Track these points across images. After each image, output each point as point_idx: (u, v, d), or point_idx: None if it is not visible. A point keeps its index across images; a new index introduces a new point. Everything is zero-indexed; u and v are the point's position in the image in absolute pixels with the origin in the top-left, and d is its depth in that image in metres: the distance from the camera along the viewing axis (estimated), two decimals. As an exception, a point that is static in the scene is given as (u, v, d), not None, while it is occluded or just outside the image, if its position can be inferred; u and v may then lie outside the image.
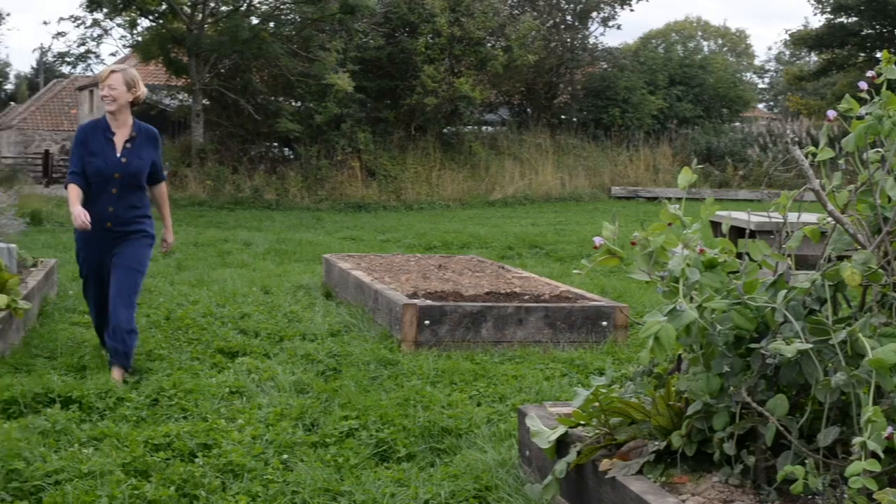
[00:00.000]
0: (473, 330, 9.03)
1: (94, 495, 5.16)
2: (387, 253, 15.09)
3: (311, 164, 31.44)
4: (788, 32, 50.81)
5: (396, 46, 33.40)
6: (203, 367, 8.27)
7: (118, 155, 7.89)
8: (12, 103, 76.93)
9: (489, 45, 34.30)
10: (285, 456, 5.93)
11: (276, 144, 34.32)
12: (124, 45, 38.37)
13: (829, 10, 43.58)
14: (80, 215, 7.63)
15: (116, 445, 6.08)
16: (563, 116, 39.12)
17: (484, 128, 38.21)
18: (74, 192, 7.82)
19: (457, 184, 31.96)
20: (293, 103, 33.38)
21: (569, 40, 39.77)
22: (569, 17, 40.20)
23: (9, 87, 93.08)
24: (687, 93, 39.44)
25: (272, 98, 33.82)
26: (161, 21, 33.61)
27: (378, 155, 32.00)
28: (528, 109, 39.39)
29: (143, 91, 8.04)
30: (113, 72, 7.96)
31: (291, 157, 33.38)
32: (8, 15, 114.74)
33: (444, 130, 34.74)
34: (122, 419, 6.67)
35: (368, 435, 6.29)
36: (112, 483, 5.35)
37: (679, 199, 4.70)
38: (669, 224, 4.61)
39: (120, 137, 7.96)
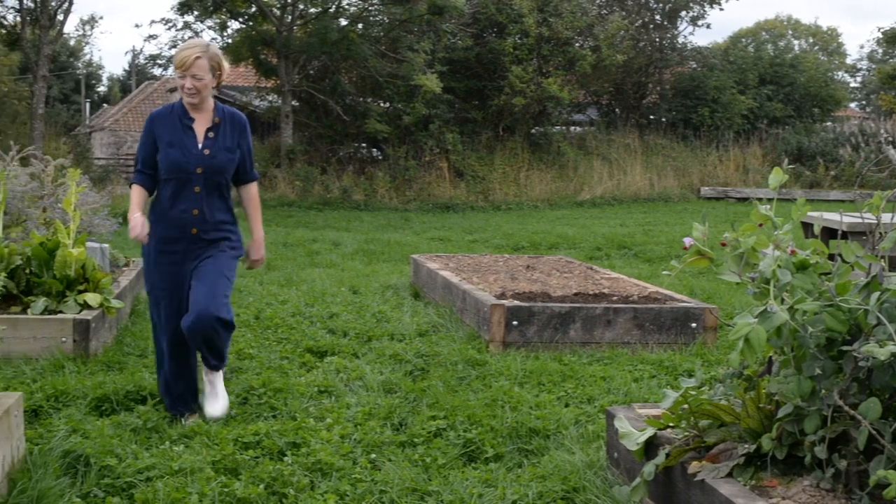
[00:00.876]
0: (561, 331, 9.00)
1: (184, 492, 5.22)
2: (475, 253, 15.09)
3: (399, 164, 31.53)
4: (881, 30, 50.18)
5: (484, 47, 33.40)
6: (292, 366, 8.33)
7: (200, 146, 6.57)
8: (105, 105, 78.09)
9: (577, 45, 34.16)
10: (373, 455, 5.95)
11: (364, 145, 34.46)
12: (215, 47, 38.65)
13: (924, 7, 42.81)
14: (138, 226, 6.43)
15: (206, 443, 6.14)
16: (651, 116, 38.87)
17: (572, 128, 38.10)
18: (137, 195, 6.65)
19: (545, 184, 31.88)
20: (381, 104, 33.50)
21: (658, 40, 39.51)
22: (658, 17, 39.94)
23: (101, 89, 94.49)
24: (777, 92, 38.99)
25: (361, 99, 33.96)
26: (251, 23, 33.91)
27: (466, 155, 32.01)
28: (617, 109, 39.20)
29: (227, 68, 6.68)
30: (198, 57, 6.44)
31: (380, 157, 33.51)
32: (101, 18, 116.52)
33: (532, 131, 34.66)
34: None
35: (456, 435, 6.29)
36: (202, 481, 5.41)
37: (770, 200, 4.65)
38: (760, 225, 4.55)
39: (200, 125, 6.63)
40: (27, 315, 8.60)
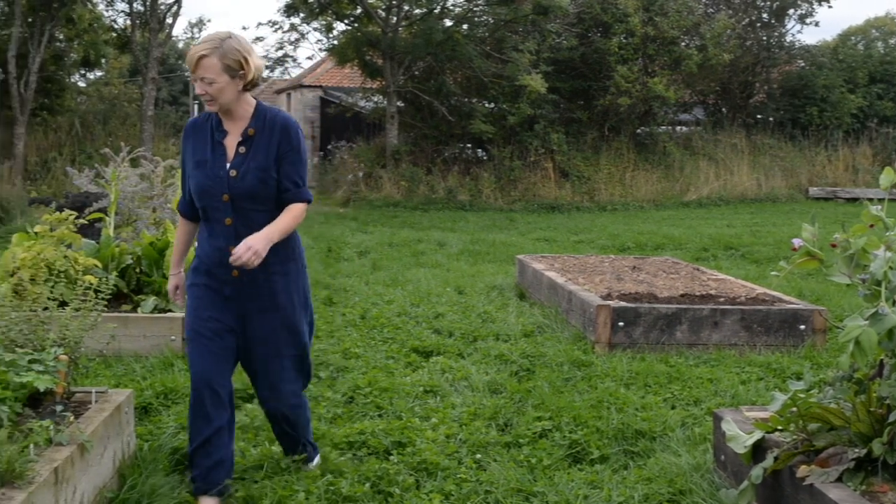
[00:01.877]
0: (668, 332, 8.94)
1: (291, 490, 5.29)
2: (580, 254, 15.05)
3: (504, 165, 31.48)
4: None
5: (589, 47, 33.24)
6: (398, 365, 8.38)
7: (227, 166, 5.13)
8: (213, 107, 78.99)
9: (683, 44, 33.85)
10: (478, 455, 5.97)
11: (469, 145, 34.46)
12: (320, 49, 39.11)
13: None
14: (171, 289, 5.57)
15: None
16: (759, 116, 38.34)
17: (678, 128, 37.74)
18: (179, 234, 5.57)
19: (650, 184, 31.65)
20: (486, 104, 33.48)
21: (765, 38, 38.97)
22: (765, 15, 39.38)
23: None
24: (888, 91, 38.24)
25: (465, 99, 33.97)
26: (356, 24, 34.10)
27: (571, 156, 31.88)
28: (723, 109, 38.73)
29: (255, 66, 5.10)
30: (203, 56, 4.96)
31: (485, 158, 33.50)
32: (209, 21, 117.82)
33: (638, 131, 34.41)
34: (318, 417, 6.80)
35: (561, 436, 6.29)
36: (308, 479, 5.47)
37: (881, 200, 4.58)
38: (871, 226, 4.49)
39: (233, 138, 5.19)
40: (137, 313, 8.77)
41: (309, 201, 5.16)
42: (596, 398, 7.13)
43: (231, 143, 5.15)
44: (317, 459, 5.81)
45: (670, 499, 5.28)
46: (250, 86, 5.10)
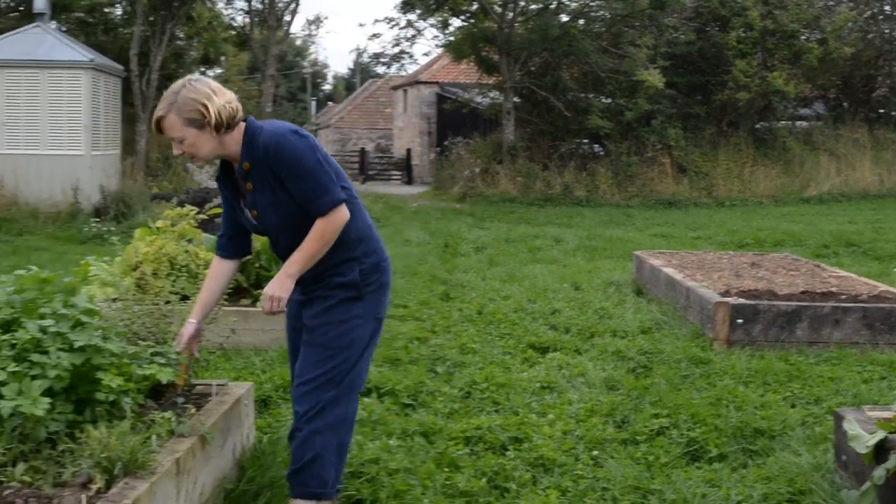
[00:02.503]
0: (788, 329, 8.84)
1: (407, 485, 5.33)
2: (698, 250, 14.92)
3: (621, 160, 31.32)
4: None
5: (707, 41, 32.90)
6: (514, 361, 8.40)
7: (247, 209, 4.88)
8: (330, 103, 79.90)
9: (803, 37, 33.37)
10: (595, 452, 5.97)
11: (586, 141, 34.34)
12: (437, 45, 39.18)
13: None
14: (184, 336, 5.04)
15: (429, 437, 6.25)
16: (881, 110, 37.60)
17: (798, 123, 37.17)
18: (210, 272, 5.16)
19: (770, 180, 31.22)
20: (603, 100, 33.33)
21: (887, 31, 38.22)
22: (887, 7, 38.61)
23: (327, 87, 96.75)
24: None
25: (582, 95, 33.88)
26: (472, 20, 34.17)
27: (689, 151, 31.59)
28: (845, 103, 38.07)
29: (219, 108, 4.57)
30: (161, 118, 4.62)
31: (601, 153, 33.36)
32: (326, 18, 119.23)
33: (757, 126, 33.98)
34: (434, 411, 6.84)
35: (679, 434, 6.26)
36: (424, 473, 5.51)
37: None
38: None
39: (240, 178, 4.82)
40: (257, 308, 8.89)
41: (332, 207, 4.60)
42: (714, 396, 7.07)
43: (240, 182, 4.82)
44: None
45: (790, 498, 5.23)
46: (225, 127, 4.62)
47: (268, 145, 4.61)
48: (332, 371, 4.68)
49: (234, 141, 4.68)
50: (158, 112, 4.61)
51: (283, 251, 4.85)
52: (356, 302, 4.72)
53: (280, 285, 4.66)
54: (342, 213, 4.64)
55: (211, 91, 4.59)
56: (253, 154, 4.65)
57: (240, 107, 4.72)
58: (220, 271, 5.05)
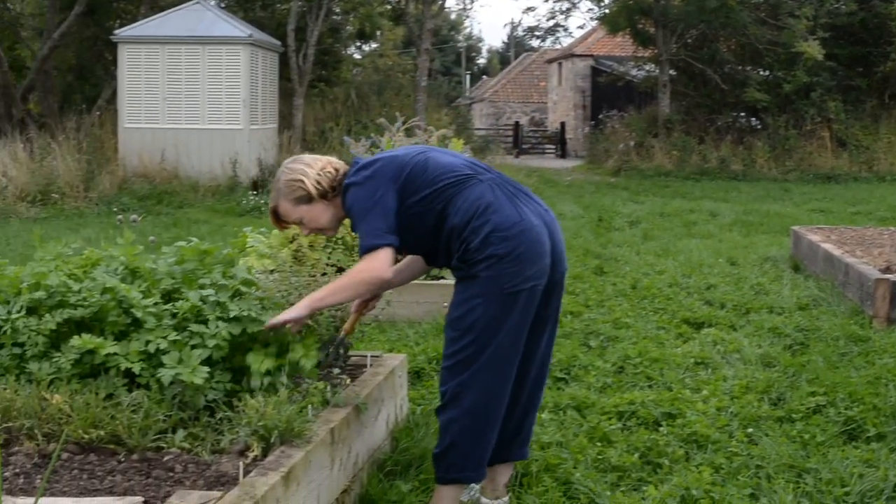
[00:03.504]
0: (951, 308, 8.61)
1: (559, 458, 5.34)
2: (858, 226, 14.59)
3: (778, 134, 30.78)
4: None
5: (870, 12, 32.06)
6: (668, 336, 8.34)
7: None
8: (484, 77, 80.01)
9: (973, 6, 32.38)
10: (750, 429, 5.90)
11: (742, 114, 33.86)
12: (591, 18, 39.05)
13: None
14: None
15: (582, 411, 6.26)
16: None
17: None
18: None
19: (934, 154, 30.39)
20: (761, 72, 32.80)
21: None
22: None
23: (481, 61, 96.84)
24: None
25: (739, 67, 33.39)
26: (628, -8, 33.92)
27: (849, 124, 30.89)
28: None
29: (315, 180, 4.75)
30: (274, 210, 4.90)
31: (759, 127, 32.85)
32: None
33: (922, 98, 33.12)
34: (587, 385, 6.84)
35: (836, 412, 6.15)
36: (576, 447, 5.52)
37: None
38: None
39: None
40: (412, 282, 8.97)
41: (365, 253, 4.56)
42: (873, 374, 6.93)
43: None
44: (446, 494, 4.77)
45: (952, 480, 5.11)
46: (330, 194, 4.77)
47: (343, 192, 4.71)
48: (461, 353, 4.55)
49: (331, 205, 4.81)
50: (271, 205, 4.87)
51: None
52: (472, 281, 4.54)
53: (297, 310, 4.64)
54: (375, 261, 4.53)
55: (305, 166, 4.78)
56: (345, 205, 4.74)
57: (339, 166, 4.85)
58: (414, 260, 5.08)
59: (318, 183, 4.72)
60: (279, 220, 4.90)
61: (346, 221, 4.85)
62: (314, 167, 4.77)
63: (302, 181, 4.71)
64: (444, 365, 4.64)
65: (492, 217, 4.50)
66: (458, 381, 4.55)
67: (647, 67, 36.75)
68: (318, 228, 4.85)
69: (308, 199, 4.73)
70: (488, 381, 4.54)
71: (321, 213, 4.78)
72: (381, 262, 4.53)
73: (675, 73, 34.05)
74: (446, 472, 4.66)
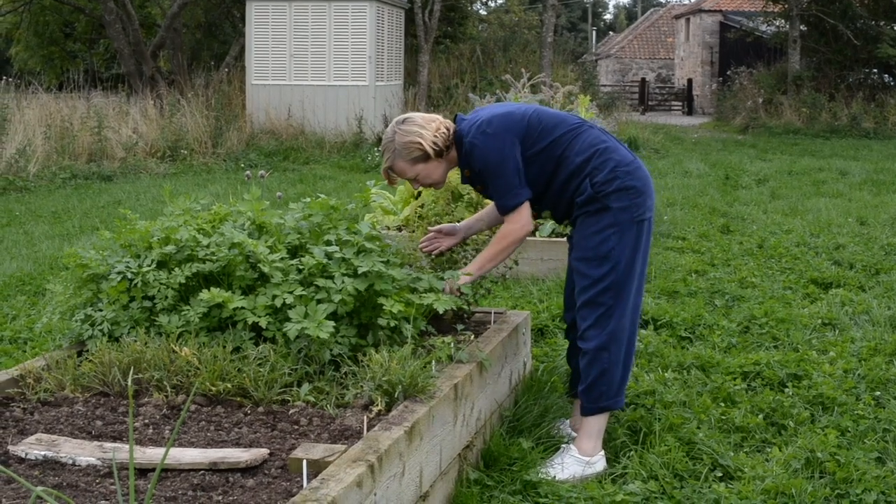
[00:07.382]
0: None
1: (682, 417, 5.31)
2: None
3: (912, 90, 30.13)
4: None
5: None
6: (795, 296, 8.23)
7: None
8: (611, 33, 79.36)
9: None
10: (878, 392, 5.81)
11: (875, 71, 33.14)
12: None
13: None
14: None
15: (706, 370, 6.21)
16: None
17: None
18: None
19: None
20: (894, 27, 32.03)
21: None
22: None
23: (608, 17, 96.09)
24: None
25: (873, 22, 32.64)
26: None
27: None
28: None
29: (432, 139, 4.92)
30: (389, 168, 5.08)
31: (891, 83, 32.12)
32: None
33: None
34: (712, 345, 6.78)
35: (969, 376, 6.02)
36: (699, 407, 5.48)
37: None
38: None
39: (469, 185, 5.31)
40: (535, 237, 8.97)
41: (509, 212, 4.94)
42: None
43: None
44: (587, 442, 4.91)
45: None
46: (445, 151, 4.99)
47: (468, 151, 4.95)
48: (602, 282, 4.80)
49: (453, 154, 5.07)
50: (385, 164, 5.08)
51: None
52: (604, 213, 4.81)
53: (472, 272, 5.05)
54: (519, 219, 4.95)
55: (419, 127, 4.96)
56: (466, 160, 5.00)
57: (450, 125, 5.04)
58: (491, 210, 5.39)
59: (435, 143, 4.94)
60: (392, 179, 5.17)
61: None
62: (429, 129, 4.96)
63: (420, 143, 4.92)
64: (584, 299, 4.86)
65: (612, 155, 4.87)
66: (603, 311, 4.81)
67: (776, 23, 36.14)
68: (430, 183, 5.11)
69: (425, 158, 4.95)
70: (627, 307, 4.86)
71: (434, 170, 5.02)
72: (522, 221, 4.95)
73: (805, 28, 33.41)
74: (596, 401, 4.88)
